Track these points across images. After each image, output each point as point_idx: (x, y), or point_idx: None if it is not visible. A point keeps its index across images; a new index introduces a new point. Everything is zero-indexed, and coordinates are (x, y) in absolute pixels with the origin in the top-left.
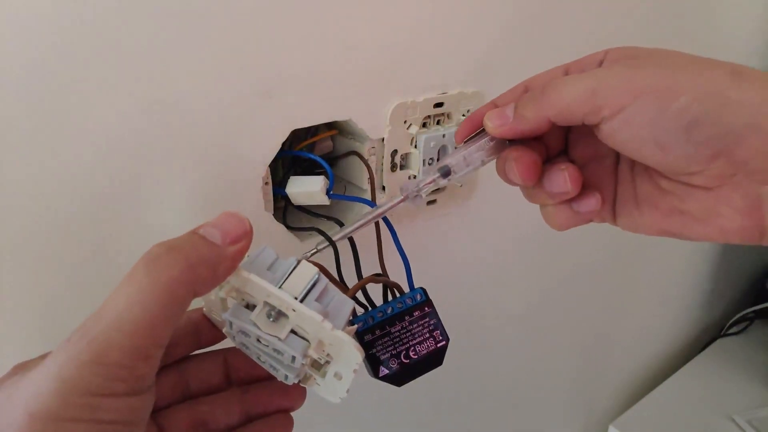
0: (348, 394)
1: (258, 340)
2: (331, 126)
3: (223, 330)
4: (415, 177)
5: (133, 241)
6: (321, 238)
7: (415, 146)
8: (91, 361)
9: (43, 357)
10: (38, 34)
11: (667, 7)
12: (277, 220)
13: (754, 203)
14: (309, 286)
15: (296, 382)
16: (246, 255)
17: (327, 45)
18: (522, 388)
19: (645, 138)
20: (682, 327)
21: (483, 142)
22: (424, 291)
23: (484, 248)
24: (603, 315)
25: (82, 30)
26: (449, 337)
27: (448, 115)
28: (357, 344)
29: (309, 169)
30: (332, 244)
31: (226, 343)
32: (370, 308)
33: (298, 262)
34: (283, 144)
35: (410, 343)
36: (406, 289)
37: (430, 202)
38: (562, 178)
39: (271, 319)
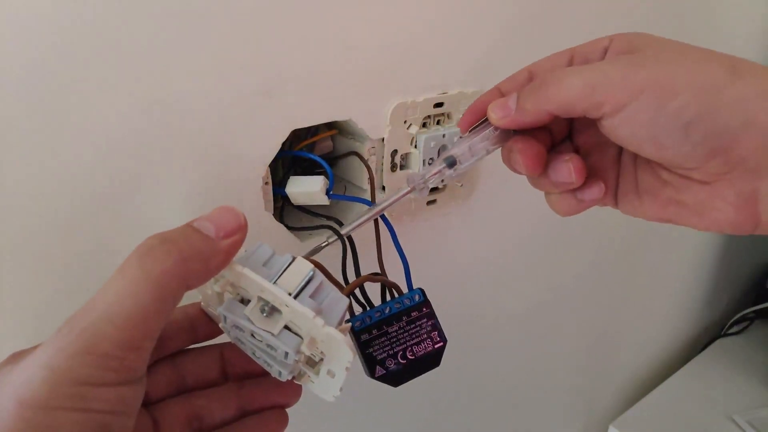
0: (342, 393)
1: (252, 335)
2: (331, 126)
3: (220, 324)
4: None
5: (132, 241)
6: (321, 237)
7: (415, 146)
8: (82, 351)
9: (37, 346)
10: (38, 34)
11: (667, 7)
12: (277, 220)
13: (749, 198)
14: (303, 283)
15: (290, 378)
16: (243, 250)
17: (327, 45)
18: (522, 388)
19: (644, 136)
20: (682, 327)
21: (488, 132)
22: (422, 291)
23: (483, 248)
24: (603, 315)
25: (82, 30)
26: (447, 338)
27: (448, 115)
28: (349, 342)
29: (309, 169)
30: (341, 238)
31: (223, 338)
32: (368, 308)
33: (294, 258)
34: (283, 144)
35: (408, 343)
36: (404, 289)
37: (430, 202)
38: (567, 170)
39: (265, 315)
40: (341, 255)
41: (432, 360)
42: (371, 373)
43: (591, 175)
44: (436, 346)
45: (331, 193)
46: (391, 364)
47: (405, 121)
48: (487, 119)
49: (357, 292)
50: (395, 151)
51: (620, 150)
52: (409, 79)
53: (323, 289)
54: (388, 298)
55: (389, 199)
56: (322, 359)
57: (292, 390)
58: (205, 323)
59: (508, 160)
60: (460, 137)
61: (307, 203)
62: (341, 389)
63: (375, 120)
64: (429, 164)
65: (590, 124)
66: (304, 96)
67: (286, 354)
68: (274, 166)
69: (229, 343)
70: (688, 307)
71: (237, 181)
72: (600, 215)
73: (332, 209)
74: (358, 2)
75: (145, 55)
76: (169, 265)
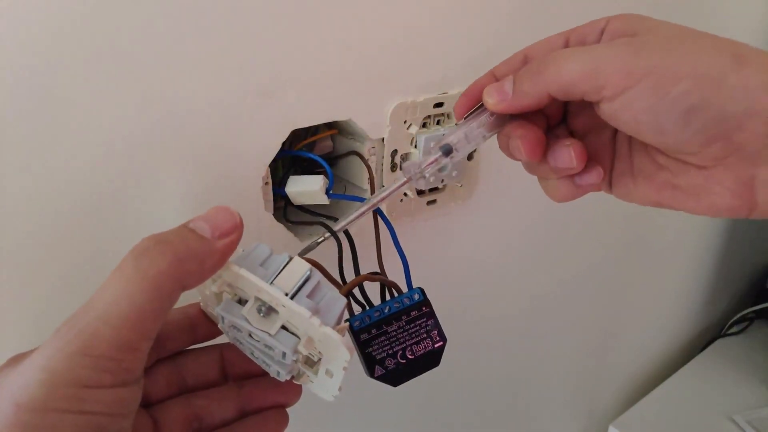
0: (341, 392)
1: (250, 336)
2: (331, 126)
3: (218, 325)
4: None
5: (132, 242)
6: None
7: (415, 146)
8: (79, 352)
9: (36, 349)
10: (38, 35)
11: (667, 8)
12: (277, 220)
13: (746, 183)
14: (300, 283)
15: (288, 378)
16: (241, 250)
17: (327, 45)
18: (522, 388)
19: (644, 121)
20: (682, 327)
21: (484, 117)
22: (422, 291)
23: (483, 248)
24: (603, 315)
25: (81, 30)
26: (447, 337)
27: (448, 115)
28: (346, 341)
29: (309, 168)
30: (334, 235)
31: (223, 339)
32: (367, 307)
33: (291, 258)
34: (283, 144)
35: (407, 343)
36: (404, 288)
37: (430, 202)
38: (568, 154)
39: (262, 315)
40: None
41: (432, 359)
42: (371, 372)
43: (588, 160)
44: (435, 346)
45: (330, 192)
46: (391, 364)
47: (405, 121)
48: (482, 105)
49: (356, 291)
50: (395, 151)
51: (615, 133)
52: (409, 79)
53: (321, 288)
54: (388, 297)
55: (384, 192)
56: (320, 359)
57: (291, 390)
58: (205, 324)
59: (506, 147)
60: (456, 124)
61: (306, 203)
62: (340, 388)
63: (375, 120)
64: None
65: (586, 106)
66: (304, 96)
67: (284, 354)
68: (274, 166)
69: (229, 343)
70: (688, 307)
71: (237, 181)
72: (599, 215)
73: (332, 209)
74: (358, 2)
75: (145, 55)
76: (165, 266)
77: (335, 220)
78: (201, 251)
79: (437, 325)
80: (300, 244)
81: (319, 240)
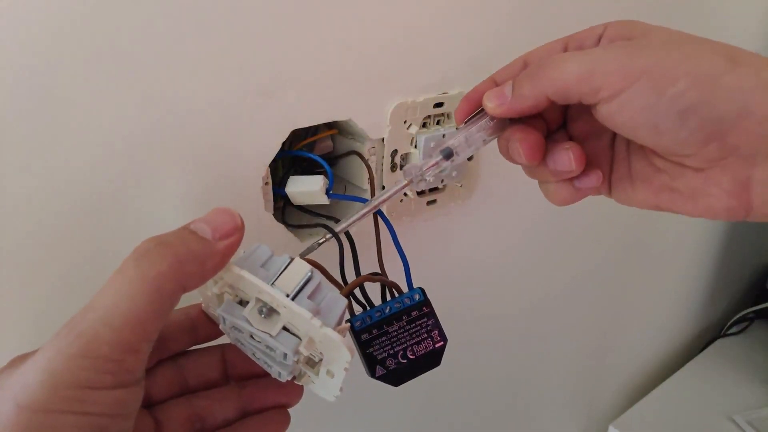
0: (342, 393)
1: (251, 337)
2: (331, 126)
3: (219, 326)
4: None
5: (132, 243)
6: (319, 236)
7: (415, 146)
8: (79, 354)
9: (37, 350)
10: (37, 35)
11: (667, 8)
12: (277, 220)
13: (743, 185)
14: (301, 284)
15: (289, 379)
16: (242, 251)
17: (327, 45)
18: (522, 388)
19: (640, 122)
20: (682, 327)
21: (484, 122)
22: (422, 291)
23: (483, 248)
24: (603, 315)
25: (81, 30)
26: (447, 337)
27: (448, 115)
28: (347, 342)
29: (309, 168)
30: (335, 236)
31: (224, 339)
32: (368, 307)
33: (292, 259)
34: (283, 144)
35: (408, 343)
36: (405, 288)
37: (430, 202)
38: (567, 158)
39: (263, 316)
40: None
41: (433, 359)
42: (372, 372)
43: (587, 163)
44: (436, 346)
45: (330, 192)
46: (392, 364)
47: (405, 121)
48: (483, 109)
49: (357, 291)
50: (395, 151)
51: (614, 137)
52: (409, 79)
53: (321, 289)
54: (388, 297)
55: (385, 194)
56: (321, 359)
57: (293, 390)
58: (206, 324)
59: (505, 151)
60: (457, 128)
61: (306, 203)
62: (341, 389)
63: (375, 120)
64: None
65: (584, 111)
66: (304, 96)
67: (285, 355)
68: (274, 166)
69: (230, 343)
70: (688, 307)
71: (237, 182)
72: (600, 215)
73: (332, 209)
74: (358, 2)
75: (145, 55)
76: (165, 268)
77: (334, 220)
78: (202, 253)
79: (438, 325)
80: (300, 244)
81: (321, 241)
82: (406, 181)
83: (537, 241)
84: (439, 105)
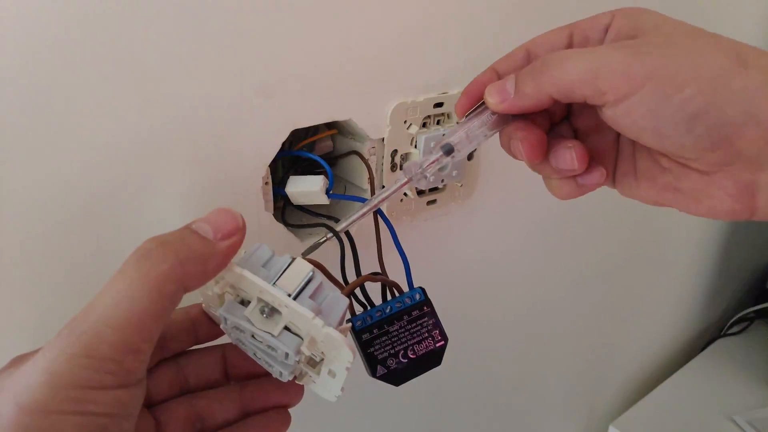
0: (344, 393)
1: (252, 337)
2: (331, 126)
3: (221, 326)
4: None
5: (133, 243)
6: (320, 236)
7: (415, 146)
8: (80, 354)
9: (39, 350)
10: (37, 36)
11: (666, 9)
12: (277, 220)
13: (747, 189)
14: (303, 284)
15: (291, 378)
16: (243, 251)
17: (327, 45)
18: (522, 389)
19: (646, 126)
20: (682, 327)
21: (485, 116)
22: (423, 290)
23: (483, 248)
24: (603, 315)
25: (81, 31)
26: (448, 337)
27: (448, 115)
28: (349, 341)
29: (309, 168)
30: (336, 235)
31: (225, 339)
32: (368, 307)
33: (293, 259)
34: (283, 144)
35: (409, 342)
36: (405, 288)
37: (430, 202)
38: (569, 157)
39: (265, 316)
40: (340, 254)
41: (433, 359)
42: (372, 372)
43: (591, 159)
44: (437, 345)
45: (330, 192)
46: (393, 363)
47: (405, 121)
48: (483, 103)
49: (358, 291)
50: (395, 151)
51: (618, 133)
52: (409, 79)
53: (323, 289)
54: (389, 297)
55: (385, 192)
56: (322, 359)
57: (294, 390)
58: (207, 324)
59: (507, 147)
60: (457, 123)
61: (306, 203)
62: (343, 389)
63: (375, 120)
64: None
65: (589, 105)
66: (304, 96)
67: (287, 355)
68: (274, 166)
69: (231, 343)
70: (688, 307)
71: (237, 182)
72: (600, 216)
73: (332, 209)
74: (358, 2)
75: (146, 56)
76: (166, 268)
77: (334, 220)
78: (203, 253)
79: (438, 325)
80: (300, 244)
81: (322, 240)
82: (406, 179)
83: (537, 241)
84: (439, 105)
